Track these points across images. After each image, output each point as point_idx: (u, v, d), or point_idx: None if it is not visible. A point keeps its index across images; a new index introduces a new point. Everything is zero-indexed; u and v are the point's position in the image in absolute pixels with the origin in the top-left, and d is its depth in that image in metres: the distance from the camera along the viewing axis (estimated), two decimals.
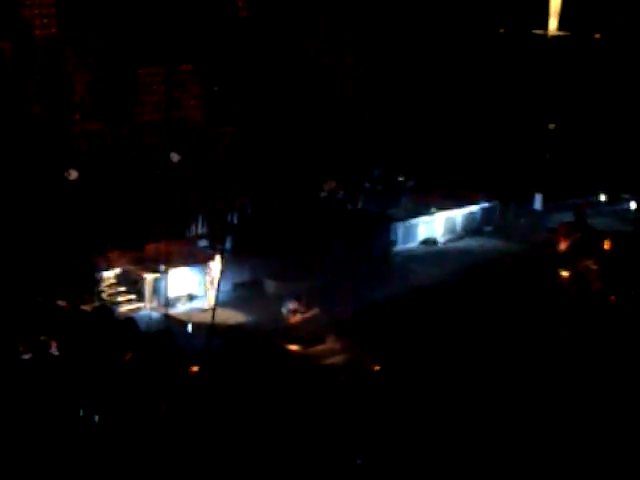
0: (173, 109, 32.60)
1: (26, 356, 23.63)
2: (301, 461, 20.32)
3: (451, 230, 36.68)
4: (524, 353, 25.88)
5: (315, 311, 28.18)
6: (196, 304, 28.96)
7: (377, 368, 25.14)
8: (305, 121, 33.87)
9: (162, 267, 28.49)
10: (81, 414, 20.95)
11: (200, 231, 31.51)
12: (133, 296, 28.74)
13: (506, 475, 20.46)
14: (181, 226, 30.59)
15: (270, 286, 30.42)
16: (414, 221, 35.61)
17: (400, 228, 34.98)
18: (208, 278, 28.82)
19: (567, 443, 21.51)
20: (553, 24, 39.50)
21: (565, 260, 32.78)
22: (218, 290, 27.75)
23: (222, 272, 28.44)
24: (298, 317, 27.96)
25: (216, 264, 28.68)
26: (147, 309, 28.48)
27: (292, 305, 28.23)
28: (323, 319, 28.18)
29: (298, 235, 31.81)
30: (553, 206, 38.37)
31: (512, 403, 22.99)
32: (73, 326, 25.34)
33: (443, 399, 23.01)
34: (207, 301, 28.57)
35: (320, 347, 27.29)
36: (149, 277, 28.79)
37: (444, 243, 35.97)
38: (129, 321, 26.60)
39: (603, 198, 38.82)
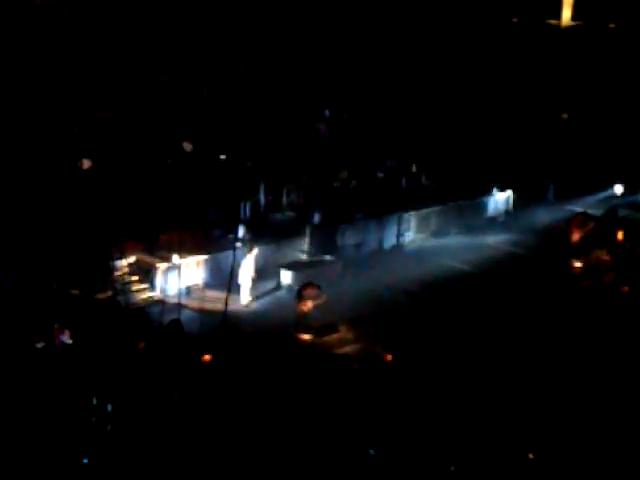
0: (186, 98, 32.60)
1: (39, 345, 23.65)
2: (312, 451, 20.31)
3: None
4: (536, 343, 25.84)
5: (324, 298, 28.01)
6: (209, 293, 28.98)
7: (390, 357, 25.10)
8: (319, 109, 33.84)
9: (175, 256, 28.49)
10: (94, 403, 20.96)
11: (214, 221, 31.44)
12: (146, 285, 28.81)
13: (523, 465, 20.42)
14: (194, 215, 30.53)
15: (286, 276, 30.41)
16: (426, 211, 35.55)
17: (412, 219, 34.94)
18: (221, 267, 28.80)
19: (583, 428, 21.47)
20: (567, 14, 39.50)
21: (578, 251, 32.70)
22: (230, 280, 27.68)
23: (236, 260, 28.36)
24: (309, 304, 27.80)
25: (227, 254, 28.62)
26: (159, 298, 28.51)
27: (304, 292, 28.09)
28: (335, 307, 28.14)
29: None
30: (566, 197, 38.24)
31: (527, 391, 22.96)
32: (86, 315, 25.38)
33: (456, 389, 22.98)
34: (220, 291, 28.53)
35: (332, 336, 27.29)
36: (162, 266, 28.84)
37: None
38: (142, 310, 26.63)
39: (618, 190, 38.45)
